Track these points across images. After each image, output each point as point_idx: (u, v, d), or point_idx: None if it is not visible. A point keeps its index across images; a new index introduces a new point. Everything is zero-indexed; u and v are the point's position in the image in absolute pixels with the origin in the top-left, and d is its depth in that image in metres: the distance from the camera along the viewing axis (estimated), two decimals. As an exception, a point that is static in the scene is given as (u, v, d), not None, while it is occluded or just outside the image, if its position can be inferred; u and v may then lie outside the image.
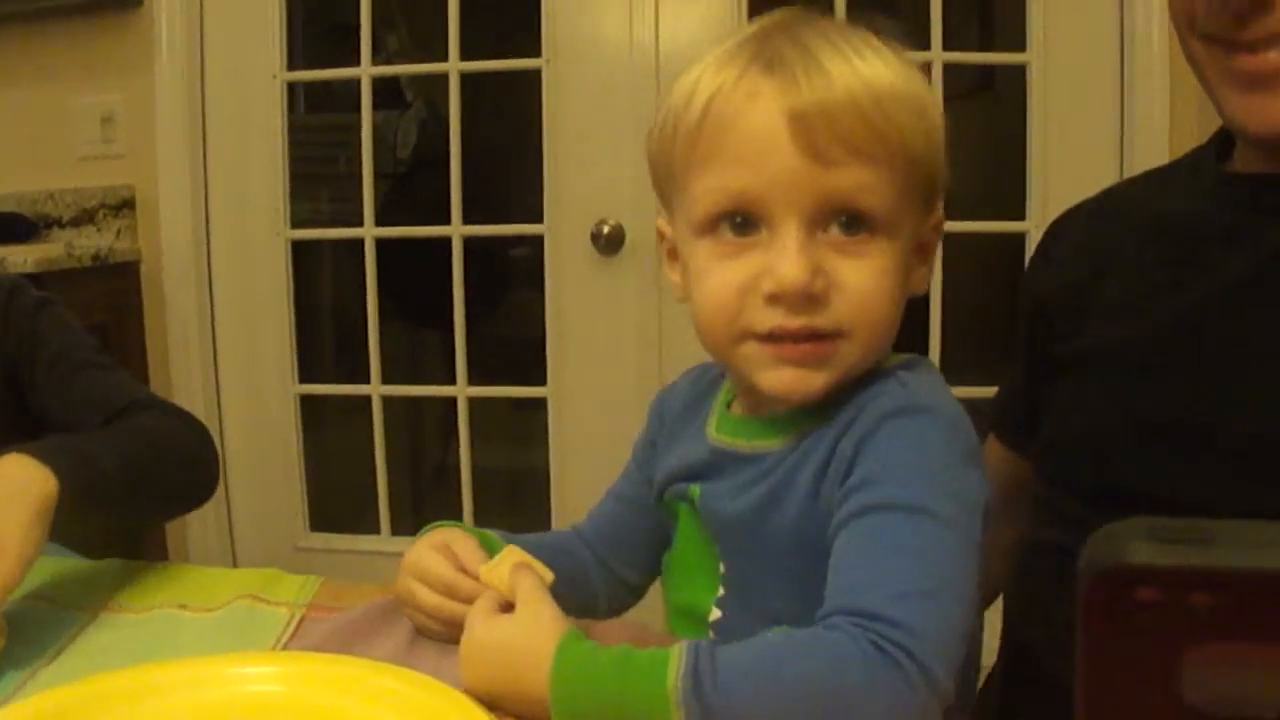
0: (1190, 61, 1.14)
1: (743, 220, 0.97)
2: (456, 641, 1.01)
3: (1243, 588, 0.55)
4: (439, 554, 1.07)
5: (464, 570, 1.05)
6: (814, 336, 0.97)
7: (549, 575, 1.02)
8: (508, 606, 0.97)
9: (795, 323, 0.96)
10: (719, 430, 1.09)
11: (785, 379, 0.99)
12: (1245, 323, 1.09)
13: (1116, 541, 0.58)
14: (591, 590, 1.21)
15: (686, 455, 1.11)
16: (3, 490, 1.14)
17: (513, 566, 1.00)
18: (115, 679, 0.97)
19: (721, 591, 1.07)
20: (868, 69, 0.94)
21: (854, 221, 0.95)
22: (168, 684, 0.96)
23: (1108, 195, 1.39)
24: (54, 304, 1.60)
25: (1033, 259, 1.41)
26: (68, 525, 1.18)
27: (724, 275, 0.98)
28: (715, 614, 1.07)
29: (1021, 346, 1.41)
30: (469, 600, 1.02)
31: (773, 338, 0.97)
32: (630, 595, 1.22)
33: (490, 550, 1.08)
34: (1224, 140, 1.22)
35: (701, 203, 0.99)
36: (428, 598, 1.06)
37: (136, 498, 1.38)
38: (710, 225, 0.99)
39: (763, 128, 0.95)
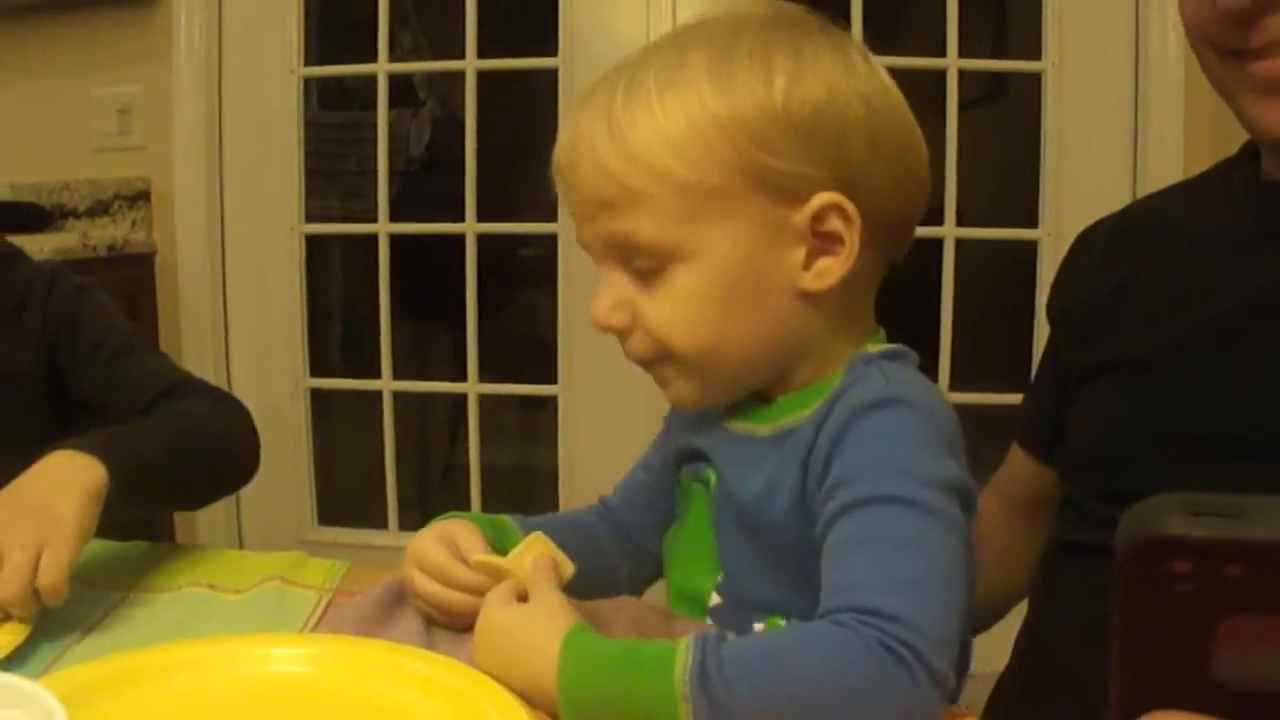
0: (1207, 72, 1.15)
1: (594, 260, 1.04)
2: (455, 628, 1.04)
3: (1275, 560, 0.56)
4: (439, 543, 1.07)
5: (462, 559, 1.06)
6: (643, 361, 1.04)
7: (570, 568, 1.03)
8: (525, 596, 0.98)
9: (624, 352, 1.04)
10: (728, 412, 1.10)
11: (666, 395, 1.07)
12: (1275, 329, 1.09)
13: (1152, 515, 0.59)
14: (612, 568, 1.22)
15: (694, 437, 1.12)
16: (54, 477, 1.16)
17: (535, 559, 1.01)
18: (144, 657, 0.97)
19: (720, 578, 1.08)
20: (636, 119, 0.96)
21: (639, 256, 0.98)
22: (196, 662, 0.97)
23: (1136, 209, 1.39)
24: (93, 288, 1.61)
25: (1059, 271, 1.41)
26: (114, 515, 1.20)
27: None
28: (715, 599, 1.07)
29: (1046, 357, 1.41)
30: (462, 588, 1.04)
31: None
32: (653, 566, 1.22)
33: (499, 538, 1.09)
34: (1254, 150, 1.22)
35: None
36: (424, 584, 1.06)
37: (181, 486, 1.40)
38: None
39: (555, 182, 1.05)
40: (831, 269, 0.99)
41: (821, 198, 0.96)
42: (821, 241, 0.98)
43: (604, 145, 0.96)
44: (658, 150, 0.95)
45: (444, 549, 1.07)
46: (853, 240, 0.98)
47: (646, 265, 0.98)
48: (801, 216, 0.97)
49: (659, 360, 1.02)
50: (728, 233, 0.97)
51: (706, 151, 0.95)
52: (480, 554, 1.04)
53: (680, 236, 0.96)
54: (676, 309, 0.98)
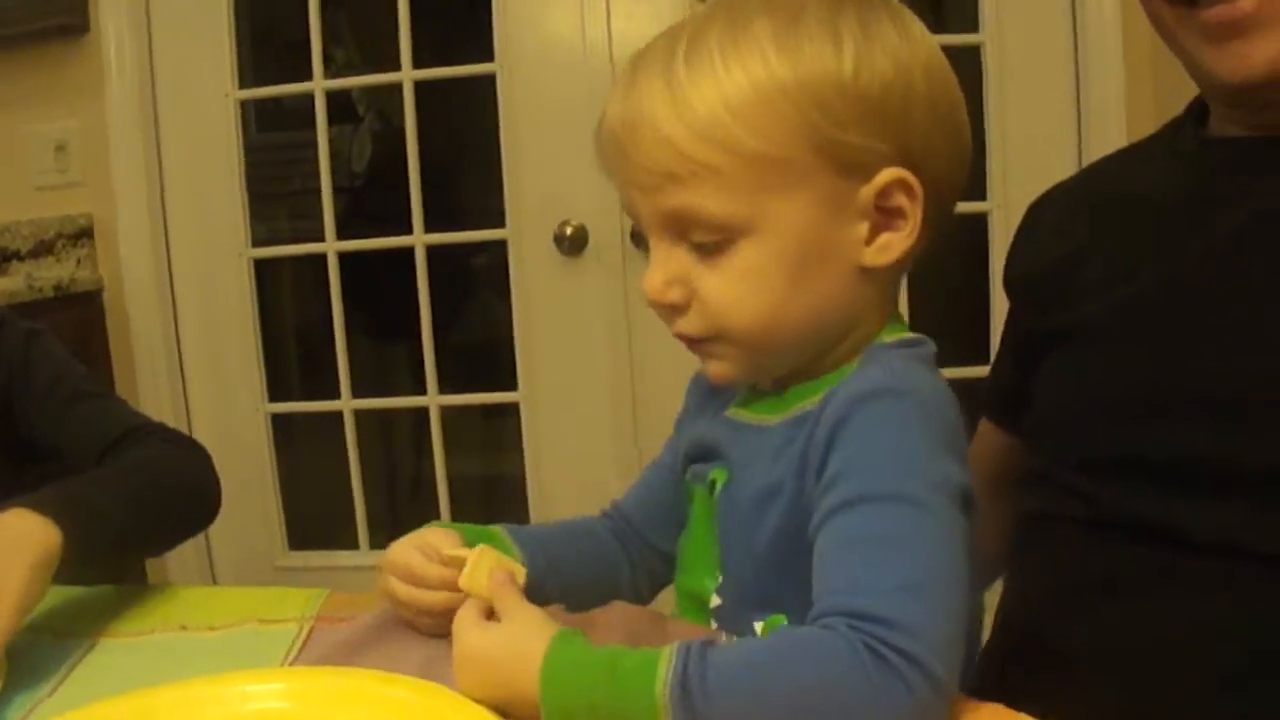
0: (1157, 26, 1.15)
1: (639, 233, 1.02)
2: (440, 633, 1.03)
3: None
4: (412, 547, 1.07)
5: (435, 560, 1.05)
6: (693, 340, 1.00)
7: (522, 573, 1.02)
8: (491, 611, 0.96)
9: (673, 329, 1.01)
10: (736, 403, 1.09)
11: (706, 370, 1.04)
12: (1230, 284, 1.09)
13: None
14: (612, 568, 1.21)
15: (704, 431, 1.11)
16: (4, 543, 1.13)
17: (490, 573, 1.00)
18: (116, 705, 0.95)
19: (720, 579, 1.06)
20: (699, 83, 0.92)
21: (701, 231, 0.95)
22: (171, 707, 0.95)
23: (1087, 174, 1.40)
24: (43, 334, 1.59)
25: (1014, 240, 1.41)
26: (72, 573, 1.18)
27: None
28: (715, 600, 1.06)
29: (1007, 328, 1.41)
30: (435, 587, 1.03)
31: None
32: (665, 566, 1.21)
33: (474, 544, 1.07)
34: (1200, 109, 1.22)
35: None
36: (400, 589, 1.06)
37: (140, 537, 1.38)
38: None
39: (602, 152, 1.00)
40: (894, 245, 0.97)
41: (888, 173, 0.95)
42: (884, 217, 0.96)
43: (666, 115, 0.93)
44: (723, 120, 0.91)
45: (416, 552, 1.06)
46: (916, 216, 0.96)
47: (709, 240, 0.95)
48: (868, 191, 0.95)
49: (716, 338, 0.99)
50: (794, 206, 0.94)
51: (773, 119, 0.91)
52: (451, 549, 1.03)
53: (747, 210, 0.93)
54: (739, 285, 0.96)
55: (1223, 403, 1.07)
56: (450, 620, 1.00)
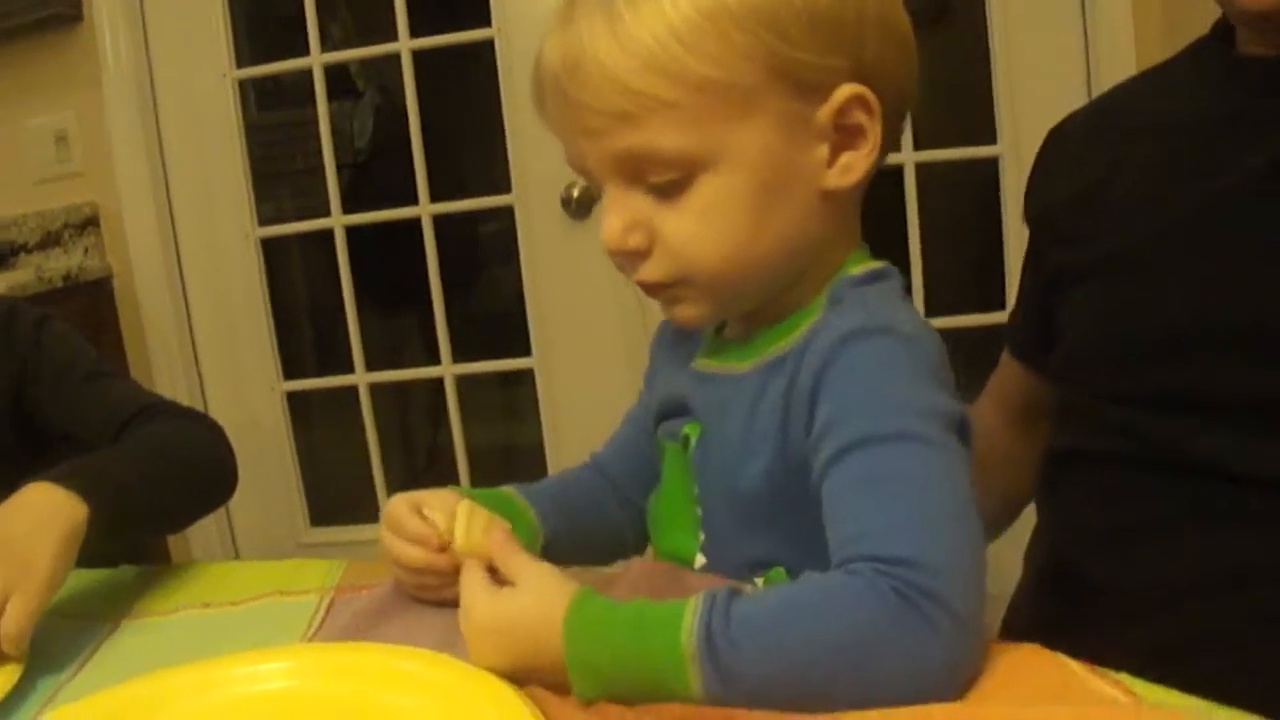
0: None
1: (592, 183, 0.98)
2: (420, 592, 1.06)
3: None
4: (405, 500, 1.07)
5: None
6: (658, 285, 0.98)
7: (506, 523, 1.01)
8: (494, 569, 0.94)
9: (634, 277, 0.98)
10: (701, 353, 1.08)
11: (671, 315, 1.01)
12: (1266, 211, 1.07)
13: None
14: (613, 520, 1.20)
15: (672, 385, 1.09)
16: (32, 517, 1.13)
17: (485, 528, 0.98)
18: (126, 690, 0.94)
19: (703, 537, 1.04)
20: (641, 14, 0.89)
21: (659, 170, 0.92)
22: (182, 689, 0.94)
23: (1106, 99, 1.37)
24: (53, 319, 1.60)
25: (1033, 171, 1.39)
26: (94, 548, 1.18)
27: None
28: (700, 560, 1.04)
29: (1028, 262, 1.39)
30: (409, 539, 1.04)
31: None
32: (645, 522, 1.18)
33: (499, 511, 1.06)
34: (1226, 28, 1.19)
35: None
36: (384, 538, 1.07)
37: (162, 510, 1.38)
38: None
39: (540, 98, 0.97)
40: (855, 164, 0.95)
41: (845, 90, 0.92)
42: (844, 136, 0.94)
43: (609, 49, 0.89)
44: (672, 49, 0.88)
45: (405, 505, 1.06)
46: (876, 132, 0.94)
47: (666, 179, 0.92)
48: (825, 111, 0.92)
49: (680, 282, 0.97)
50: (752, 134, 0.91)
51: (724, 44, 0.88)
52: (457, 535, 1.01)
53: (703, 143, 0.90)
54: (702, 222, 0.93)
55: (1267, 332, 1.05)
56: (429, 578, 1.02)
